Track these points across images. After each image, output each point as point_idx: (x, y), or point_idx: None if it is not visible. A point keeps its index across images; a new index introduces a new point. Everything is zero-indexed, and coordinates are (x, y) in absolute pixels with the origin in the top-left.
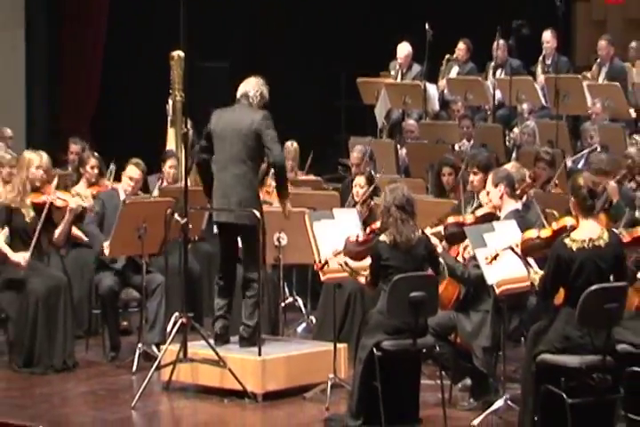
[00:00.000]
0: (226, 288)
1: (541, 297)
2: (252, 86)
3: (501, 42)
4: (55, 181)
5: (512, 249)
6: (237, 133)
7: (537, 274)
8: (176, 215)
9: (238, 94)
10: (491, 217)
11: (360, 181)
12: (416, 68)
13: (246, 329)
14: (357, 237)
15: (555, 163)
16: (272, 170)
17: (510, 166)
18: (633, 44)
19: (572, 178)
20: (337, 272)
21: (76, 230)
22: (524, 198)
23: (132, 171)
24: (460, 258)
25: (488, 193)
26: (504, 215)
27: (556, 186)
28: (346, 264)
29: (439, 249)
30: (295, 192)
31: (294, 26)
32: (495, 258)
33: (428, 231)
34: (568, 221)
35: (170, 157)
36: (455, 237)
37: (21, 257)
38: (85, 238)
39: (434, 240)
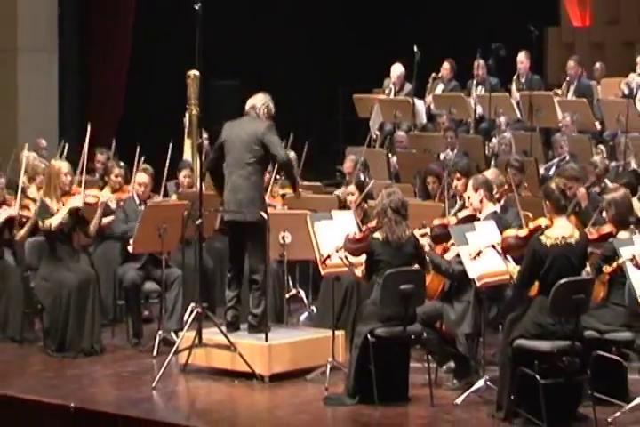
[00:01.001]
0: (235, 281)
1: (519, 288)
2: (259, 100)
3: (481, 62)
4: (83, 182)
5: (494, 247)
6: (244, 141)
7: (515, 268)
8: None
9: (247, 107)
10: (472, 218)
11: (352, 189)
12: (408, 86)
13: (254, 318)
14: (355, 234)
15: (524, 169)
16: (276, 175)
17: (490, 173)
18: (597, 65)
19: (546, 184)
20: (336, 267)
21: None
22: (502, 201)
23: (140, 177)
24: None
25: (469, 197)
26: (484, 217)
27: (525, 189)
28: (346, 258)
29: (426, 248)
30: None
31: (298, 48)
32: (479, 254)
33: (417, 233)
34: (542, 221)
35: (184, 167)
36: (440, 237)
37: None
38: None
39: (421, 240)
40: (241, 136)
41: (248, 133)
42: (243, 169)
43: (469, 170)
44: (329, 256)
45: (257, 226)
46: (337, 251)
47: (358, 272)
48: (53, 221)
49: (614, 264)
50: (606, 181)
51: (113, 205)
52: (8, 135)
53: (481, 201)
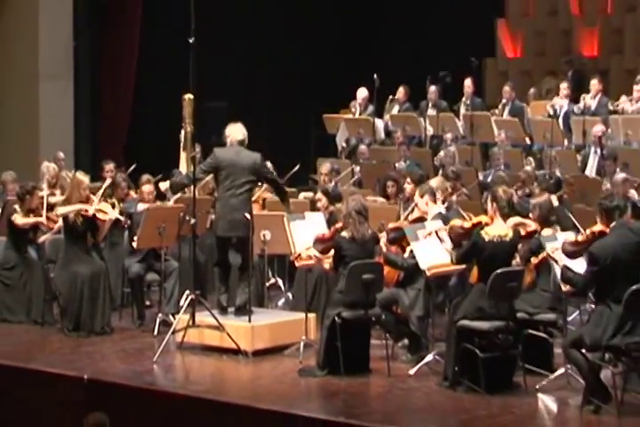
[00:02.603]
0: (224, 274)
1: (456, 263)
2: (241, 133)
3: (432, 87)
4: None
5: (436, 233)
6: (245, 169)
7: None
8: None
9: (234, 139)
10: (421, 220)
11: (319, 196)
12: (370, 107)
13: (240, 303)
14: (323, 235)
15: (460, 177)
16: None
17: (436, 180)
18: (531, 90)
19: (494, 190)
20: (307, 260)
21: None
22: (446, 203)
23: (147, 187)
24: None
25: (416, 204)
26: (430, 217)
27: (462, 194)
28: (315, 256)
29: (384, 249)
30: (276, 200)
31: (277, 75)
32: (430, 234)
33: (382, 241)
34: (483, 218)
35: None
36: (395, 239)
37: None
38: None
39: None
40: (241, 165)
41: (248, 162)
42: (241, 193)
43: (420, 178)
44: (300, 254)
45: (246, 239)
46: (307, 249)
47: (327, 265)
48: (59, 211)
49: (540, 256)
50: (536, 184)
51: (122, 217)
52: (32, 149)
53: (426, 204)
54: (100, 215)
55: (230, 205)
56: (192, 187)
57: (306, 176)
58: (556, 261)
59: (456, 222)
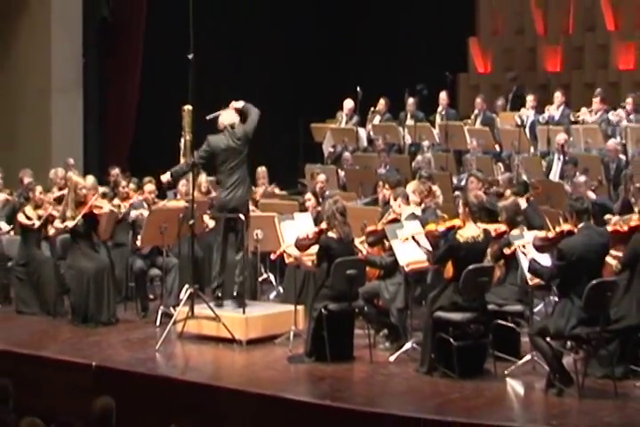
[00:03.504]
0: (220, 271)
1: (434, 264)
2: (230, 118)
3: (410, 99)
4: (98, 195)
5: (414, 237)
6: (235, 151)
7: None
8: (205, 217)
9: (224, 123)
10: (396, 220)
11: (309, 196)
12: (355, 117)
13: (235, 296)
14: (307, 235)
15: (431, 178)
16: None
17: (413, 183)
18: (499, 102)
19: (466, 195)
20: (289, 259)
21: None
22: (423, 205)
23: (149, 186)
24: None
25: (391, 206)
26: (404, 218)
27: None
28: (294, 256)
29: (363, 250)
30: (269, 202)
31: (268, 88)
32: (407, 239)
33: (357, 241)
34: (456, 221)
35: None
36: (374, 241)
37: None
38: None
39: (359, 246)
40: (233, 147)
41: (238, 141)
42: (240, 172)
43: (397, 183)
44: (282, 253)
45: (245, 215)
46: (287, 248)
47: (309, 263)
48: (69, 224)
49: (512, 248)
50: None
51: (121, 211)
52: (44, 156)
53: (399, 206)
54: (96, 211)
55: (230, 182)
56: (191, 190)
57: (295, 180)
58: (525, 254)
59: (431, 227)
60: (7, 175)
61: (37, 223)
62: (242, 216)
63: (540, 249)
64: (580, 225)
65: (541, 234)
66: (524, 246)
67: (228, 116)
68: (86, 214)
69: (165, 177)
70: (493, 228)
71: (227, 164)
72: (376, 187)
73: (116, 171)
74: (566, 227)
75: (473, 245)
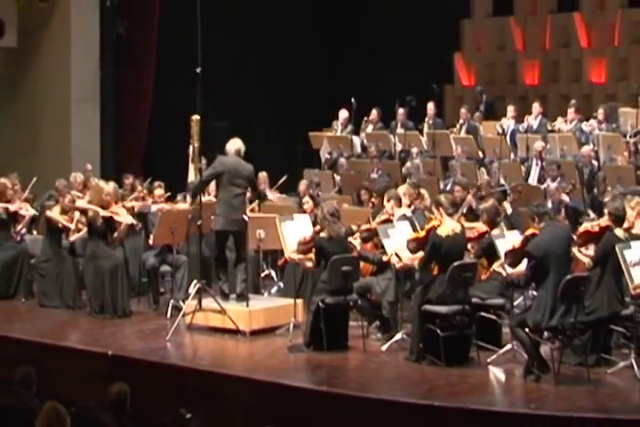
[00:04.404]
0: (222, 266)
1: (422, 266)
2: (238, 145)
3: (400, 110)
4: (122, 203)
5: (396, 254)
6: (241, 176)
7: (409, 258)
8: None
9: (234, 149)
10: (388, 221)
11: (306, 199)
12: (350, 127)
13: (239, 291)
14: (304, 238)
15: (419, 186)
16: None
17: (404, 187)
18: (476, 113)
19: (437, 198)
20: (293, 262)
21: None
22: (412, 207)
23: (159, 191)
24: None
25: (384, 207)
26: (396, 219)
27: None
28: (298, 259)
29: (358, 247)
30: (270, 204)
31: (270, 100)
32: (390, 256)
33: (350, 239)
34: (434, 222)
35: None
36: (367, 238)
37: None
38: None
39: (354, 242)
40: (240, 171)
41: (245, 171)
42: (241, 195)
43: (384, 190)
44: (287, 259)
45: (242, 233)
46: (291, 253)
47: (309, 264)
48: (78, 203)
49: (491, 269)
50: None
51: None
52: (64, 162)
53: (392, 208)
54: (115, 217)
55: (230, 204)
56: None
57: (294, 185)
58: (503, 272)
59: (413, 235)
60: (29, 181)
61: (72, 226)
62: (238, 235)
63: (512, 265)
64: (541, 225)
65: (509, 247)
66: (498, 267)
67: (235, 144)
68: (106, 217)
69: (191, 202)
70: (476, 228)
71: (230, 185)
72: (359, 193)
73: (129, 180)
74: (529, 232)
75: (454, 237)
